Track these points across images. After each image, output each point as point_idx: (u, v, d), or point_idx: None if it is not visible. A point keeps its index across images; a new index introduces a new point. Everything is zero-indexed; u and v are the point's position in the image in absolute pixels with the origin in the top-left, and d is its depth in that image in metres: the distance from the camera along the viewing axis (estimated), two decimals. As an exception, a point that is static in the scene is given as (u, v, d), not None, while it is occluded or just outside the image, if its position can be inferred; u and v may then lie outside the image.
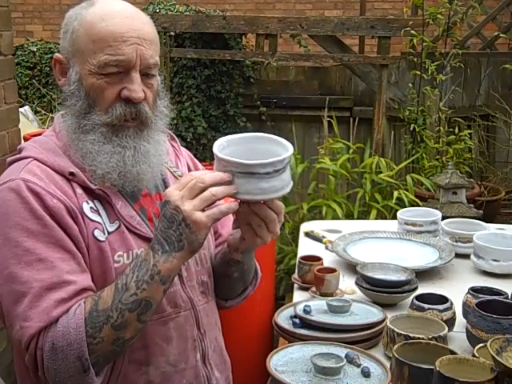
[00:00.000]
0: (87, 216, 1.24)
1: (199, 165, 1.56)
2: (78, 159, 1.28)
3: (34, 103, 5.39)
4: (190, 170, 1.50)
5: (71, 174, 1.26)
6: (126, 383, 1.29)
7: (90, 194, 1.27)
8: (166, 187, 1.39)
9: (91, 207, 1.26)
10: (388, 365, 1.40)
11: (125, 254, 1.27)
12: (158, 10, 5.04)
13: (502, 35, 4.52)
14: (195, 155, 5.21)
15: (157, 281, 1.18)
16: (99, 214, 1.27)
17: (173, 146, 1.51)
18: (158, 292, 1.20)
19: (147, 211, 1.35)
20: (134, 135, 1.29)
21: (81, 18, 1.28)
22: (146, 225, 1.32)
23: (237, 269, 1.44)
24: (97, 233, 1.24)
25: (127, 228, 1.29)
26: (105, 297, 1.18)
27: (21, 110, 3.38)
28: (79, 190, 1.26)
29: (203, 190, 1.16)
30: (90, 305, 1.18)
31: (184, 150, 1.54)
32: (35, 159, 1.27)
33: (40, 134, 1.40)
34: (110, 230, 1.27)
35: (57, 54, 1.32)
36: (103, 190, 1.28)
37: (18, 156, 1.31)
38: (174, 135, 1.51)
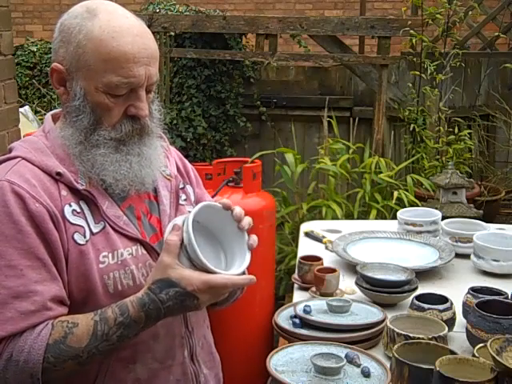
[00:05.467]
0: (68, 220, 1.25)
1: (188, 164, 1.57)
2: (85, 168, 1.28)
3: (34, 103, 5.39)
4: (178, 169, 1.51)
5: (58, 174, 1.26)
6: (114, 381, 1.29)
7: (76, 194, 1.27)
8: (156, 186, 1.40)
9: (74, 210, 1.26)
10: (388, 365, 1.40)
11: (110, 255, 1.27)
12: (158, 10, 5.04)
13: (501, 35, 4.52)
14: (195, 155, 5.16)
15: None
16: (83, 216, 1.27)
17: (162, 145, 1.52)
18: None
19: (135, 210, 1.35)
20: (138, 142, 1.31)
21: (86, 31, 1.24)
22: (133, 225, 1.33)
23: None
24: (77, 236, 1.25)
25: (113, 228, 1.29)
26: (79, 335, 1.18)
27: (21, 110, 3.38)
28: (64, 192, 1.26)
29: None
30: (58, 334, 1.18)
31: (173, 150, 1.55)
32: (23, 159, 1.28)
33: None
34: (95, 230, 1.27)
35: (56, 64, 1.29)
36: (89, 191, 1.28)
37: (7, 156, 1.31)
38: (163, 135, 1.52)
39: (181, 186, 1.48)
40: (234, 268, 1.26)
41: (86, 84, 1.26)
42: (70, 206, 1.26)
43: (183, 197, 1.47)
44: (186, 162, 1.57)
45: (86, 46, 1.24)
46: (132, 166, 1.30)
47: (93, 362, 1.23)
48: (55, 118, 1.37)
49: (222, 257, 1.32)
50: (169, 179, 1.45)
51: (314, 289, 1.92)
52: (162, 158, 1.40)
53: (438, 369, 1.22)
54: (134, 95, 1.27)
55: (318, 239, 2.42)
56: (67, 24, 1.28)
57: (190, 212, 1.26)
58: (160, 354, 1.34)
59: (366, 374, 1.37)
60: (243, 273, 1.27)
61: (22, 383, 1.18)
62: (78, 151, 1.29)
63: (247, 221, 1.30)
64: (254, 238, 1.32)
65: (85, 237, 1.25)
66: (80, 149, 1.29)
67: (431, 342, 1.44)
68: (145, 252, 1.31)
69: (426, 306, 1.64)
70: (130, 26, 1.27)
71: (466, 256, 2.16)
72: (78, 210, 1.27)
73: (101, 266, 1.26)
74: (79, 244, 1.24)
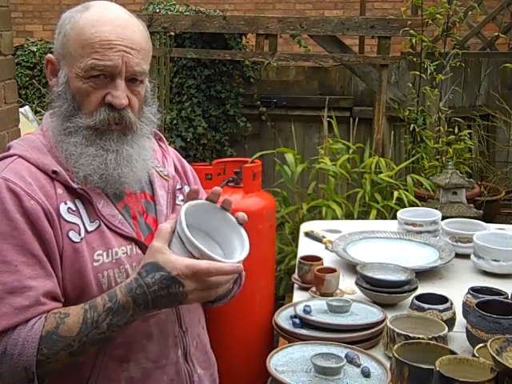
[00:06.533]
0: (63, 218, 1.25)
1: (186, 164, 1.57)
2: (63, 160, 1.30)
3: (33, 103, 5.39)
4: (176, 169, 1.51)
5: (54, 172, 1.27)
6: (107, 379, 1.30)
7: (72, 193, 1.28)
8: (153, 187, 1.41)
9: (69, 208, 1.27)
10: (388, 365, 1.40)
11: (104, 253, 1.28)
12: (158, 10, 5.04)
13: (501, 35, 4.52)
14: (195, 155, 5.16)
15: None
16: (78, 214, 1.28)
17: (160, 146, 1.53)
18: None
19: (131, 209, 1.36)
20: (117, 139, 1.30)
21: (73, 21, 1.29)
22: (128, 224, 1.33)
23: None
24: (71, 234, 1.25)
25: (108, 227, 1.29)
26: (70, 324, 1.19)
27: (21, 110, 3.38)
28: (60, 190, 1.27)
29: None
30: (50, 324, 1.19)
31: (171, 150, 1.56)
32: (20, 157, 1.29)
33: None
34: (90, 229, 1.28)
35: (49, 55, 1.35)
36: (85, 190, 1.29)
37: (5, 154, 1.33)
38: (162, 136, 1.53)
39: (178, 186, 1.48)
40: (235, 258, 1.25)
41: (68, 71, 1.29)
42: (66, 204, 1.27)
43: (180, 197, 1.47)
44: (185, 162, 1.58)
45: (70, 35, 1.29)
46: (106, 163, 1.29)
47: (85, 356, 1.23)
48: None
49: (221, 253, 1.30)
50: (166, 179, 1.45)
51: (314, 289, 1.92)
52: (150, 160, 1.39)
53: (438, 369, 1.22)
54: (112, 84, 1.28)
55: (318, 239, 2.42)
56: (63, 18, 1.33)
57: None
58: (154, 353, 1.34)
59: (366, 373, 1.37)
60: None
61: (16, 377, 1.18)
62: (57, 141, 1.31)
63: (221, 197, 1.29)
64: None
65: (80, 235, 1.26)
66: (59, 138, 1.30)
67: (431, 342, 1.43)
68: (139, 251, 1.32)
69: (426, 305, 1.64)
70: (114, 17, 1.30)
71: (466, 256, 2.16)
72: (74, 209, 1.28)
73: (95, 264, 1.26)
74: (74, 242, 1.25)
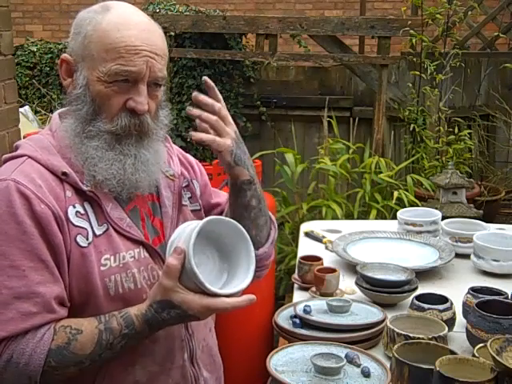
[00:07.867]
0: (71, 222, 1.24)
1: (190, 158, 1.56)
2: (78, 162, 1.28)
3: (34, 103, 5.38)
4: (182, 163, 1.50)
5: (64, 173, 1.26)
6: (113, 382, 1.30)
7: (81, 195, 1.27)
8: (158, 187, 1.40)
9: (77, 211, 1.26)
10: (388, 365, 1.40)
11: (112, 257, 1.27)
12: (158, 10, 5.04)
13: (501, 35, 4.52)
14: (195, 155, 5.20)
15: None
16: (87, 217, 1.26)
17: (165, 145, 1.51)
18: None
19: (139, 211, 1.35)
20: (135, 143, 1.30)
21: (95, 23, 1.26)
22: (136, 227, 1.32)
23: (251, 192, 1.40)
24: (79, 238, 1.24)
25: (116, 230, 1.28)
26: (83, 342, 1.19)
27: (21, 110, 3.38)
28: (69, 193, 1.26)
29: None
30: (61, 339, 1.19)
31: (175, 147, 1.55)
32: (29, 157, 1.27)
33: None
34: (98, 232, 1.27)
35: (65, 55, 1.31)
36: (94, 192, 1.27)
37: (14, 154, 1.31)
38: (167, 135, 1.52)
39: (184, 184, 1.47)
40: (232, 284, 1.26)
41: (88, 73, 1.27)
42: (74, 207, 1.26)
43: (187, 195, 1.46)
44: (188, 156, 1.57)
45: (92, 37, 1.26)
46: (125, 168, 1.28)
47: (93, 368, 1.24)
48: (62, 118, 1.37)
49: (226, 268, 1.30)
50: (172, 179, 1.44)
51: (314, 289, 1.92)
52: (163, 163, 1.39)
53: (438, 369, 1.22)
54: (135, 89, 1.26)
55: (318, 239, 2.42)
56: (80, 17, 1.31)
57: (192, 228, 1.23)
58: (159, 356, 1.33)
59: (366, 373, 1.37)
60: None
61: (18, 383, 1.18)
62: (73, 142, 1.29)
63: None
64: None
65: (87, 239, 1.25)
66: (76, 140, 1.28)
67: (431, 342, 1.44)
68: (147, 255, 1.31)
69: (426, 306, 1.64)
70: (138, 21, 1.28)
71: (466, 256, 2.16)
72: (82, 212, 1.26)
73: (102, 268, 1.25)
74: (81, 246, 1.24)
